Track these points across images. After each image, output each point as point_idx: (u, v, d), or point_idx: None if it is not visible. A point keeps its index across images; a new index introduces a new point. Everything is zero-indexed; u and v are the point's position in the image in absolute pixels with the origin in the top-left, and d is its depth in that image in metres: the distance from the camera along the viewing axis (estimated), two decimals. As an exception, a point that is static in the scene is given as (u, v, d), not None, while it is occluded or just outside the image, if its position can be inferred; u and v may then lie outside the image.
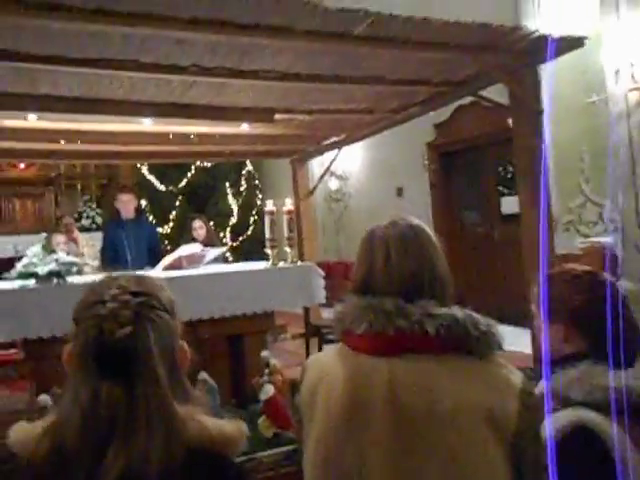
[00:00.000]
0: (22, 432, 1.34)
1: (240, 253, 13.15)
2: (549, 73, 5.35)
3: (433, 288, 1.64)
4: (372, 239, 1.74)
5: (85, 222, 13.49)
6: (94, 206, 14.04)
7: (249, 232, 14.10)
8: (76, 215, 13.14)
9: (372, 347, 1.61)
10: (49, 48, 4.14)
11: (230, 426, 1.38)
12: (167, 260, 5.71)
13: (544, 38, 4.62)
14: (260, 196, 14.50)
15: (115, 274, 1.45)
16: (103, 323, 1.28)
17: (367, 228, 1.80)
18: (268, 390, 4.69)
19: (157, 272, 5.66)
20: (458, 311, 1.58)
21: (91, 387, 1.26)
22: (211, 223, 7.79)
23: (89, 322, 1.31)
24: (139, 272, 4.69)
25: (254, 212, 14.20)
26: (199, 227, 7.11)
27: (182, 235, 7.69)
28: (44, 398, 4.30)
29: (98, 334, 1.28)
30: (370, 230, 1.77)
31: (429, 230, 1.74)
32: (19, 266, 4.84)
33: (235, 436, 1.37)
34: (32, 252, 4.88)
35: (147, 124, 6.09)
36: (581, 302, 1.93)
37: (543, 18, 6.89)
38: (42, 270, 4.74)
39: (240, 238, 13.97)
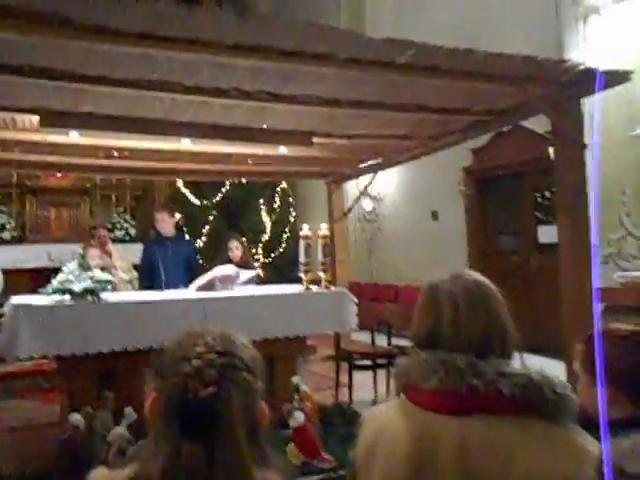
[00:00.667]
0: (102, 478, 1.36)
1: (272, 270, 13.15)
2: (593, 105, 5.27)
3: (503, 345, 1.59)
4: (436, 293, 1.68)
5: (119, 233, 13.59)
6: (128, 217, 14.14)
7: (281, 249, 14.08)
8: (110, 226, 13.19)
9: (442, 405, 1.53)
10: (94, 69, 4.19)
11: None
12: (201, 280, 5.71)
13: (590, 71, 4.56)
14: (294, 213, 14.52)
15: (201, 329, 1.42)
16: (188, 381, 1.28)
17: (427, 281, 1.75)
18: (298, 417, 4.67)
19: (190, 292, 5.67)
20: (533, 371, 1.51)
21: (172, 445, 1.26)
22: (244, 239, 7.76)
23: (174, 379, 1.31)
24: (177, 289, 4.67)
25: (287, 229, 14.20)
26: (235, 247, 7.07)
27: (217, 253, 7.67)
28: (76, 418, 4.31)
29: (182, 392, 1.28)
30: (433, 284, 1.71)
31: (493, 285, 1.68)
32: (55, 282, 4.88)
33: None
34: (68, 268, 4.91)
35: (186, 143, 6.11)
36: (628, 365, 1.86)
37: (588, 50, 6.82)
38: (77, 287, 4.78)
39: (272, 255, 13.94)
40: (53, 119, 5.14)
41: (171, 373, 1.33)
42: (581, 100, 4.98)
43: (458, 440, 1.47)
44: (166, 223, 7.06)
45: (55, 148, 6.32)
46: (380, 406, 1.77)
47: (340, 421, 5.43)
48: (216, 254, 8.04)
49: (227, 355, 1.34)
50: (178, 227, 7.44)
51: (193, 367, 1.30)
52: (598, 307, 5.36)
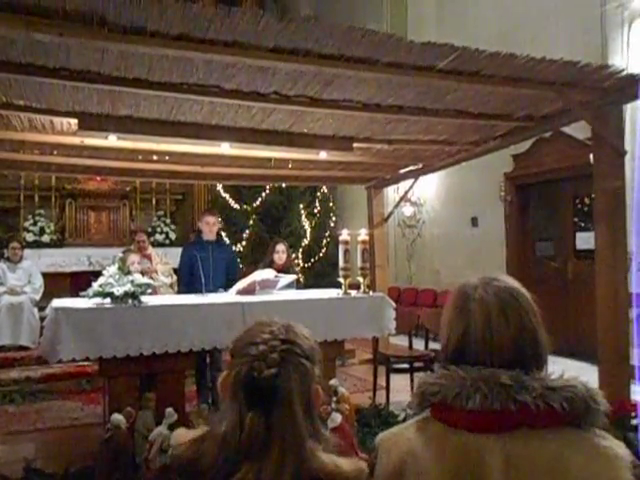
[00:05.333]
0: (180, 436, 1.56)
1: (311, 275, 13.17)
2: (634, 111, 5.21)
3: (537, 357, 1.54)
4: (466, 301, 1.59)
5: (159, 237, 13.59)
6: (168, 221, 14.14)
7: (321, 254, 14.09)
8: (150, 230, 13.21)
9: (485, 424, 1.45)
10: (131, 71, 4.21)
11: (349, 464, 1.47)
12: (241, 284, 5.74)
13: (632, 77, 4.52)
14: (334, 218, 14.52)
15: (268, 320, 1.62)
16: (254, 362, 1.47)
17: (457, 286, 1.66)
18: (336, 418, 4.69)
19: (230, 295, 5.71)
20: (578, 383, 1.47)
21: (237, 413, 1.45)
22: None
23: (243, 359, 1.50)
24: (217, 292, 4.73)
25: (327, 234, 14.20)
26: (282, 251, 7.02)
27: (261, 257, 7.67)
28: (118, 418, 4.36)
29: (249, 371, 1.47)
30: (462, 291, 1.63)
31: (526, 292, 1.61)
32: (96, 285, 4.95)
33: (354, 474, 1.46)
34: (109, 272, 4.97)
35: (225, 147, 6.11)
36: None
37: (632, 55, 6.73)
38: (118, 291, 4.84)
39: (312, 259, 13.95)
40: (91, 122, 5.17)
41: (241, 354, 1.52)
42: (624, 107, 4.94)
43: (503, 459, 1.42)
44: (216, 227, 7.08)
45: (94, 151, 6.34)
46: (398, 428, 1.67)
47: (376, 422, 5.49)
48: (259, 258, 8.08)
49: (288, 342, 1.52)
50: (219, 232, 7.44)
51: (259, 351, 1.49)
52: (634, 312, 5.29)
